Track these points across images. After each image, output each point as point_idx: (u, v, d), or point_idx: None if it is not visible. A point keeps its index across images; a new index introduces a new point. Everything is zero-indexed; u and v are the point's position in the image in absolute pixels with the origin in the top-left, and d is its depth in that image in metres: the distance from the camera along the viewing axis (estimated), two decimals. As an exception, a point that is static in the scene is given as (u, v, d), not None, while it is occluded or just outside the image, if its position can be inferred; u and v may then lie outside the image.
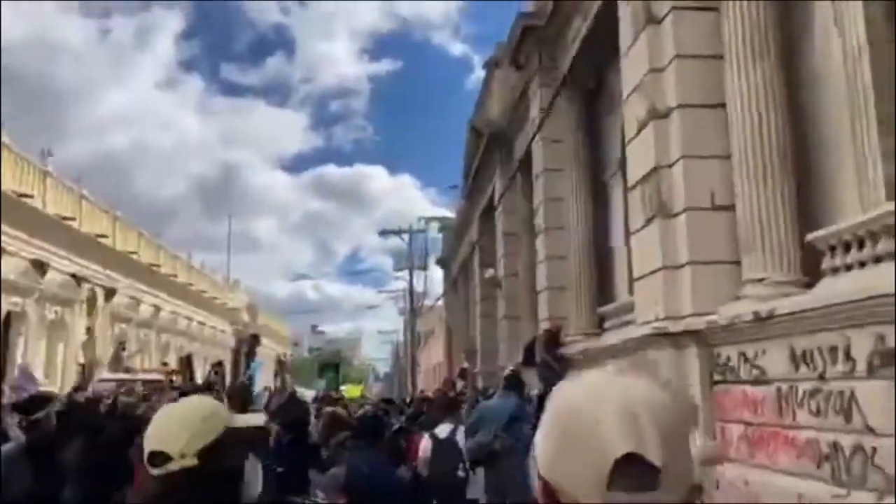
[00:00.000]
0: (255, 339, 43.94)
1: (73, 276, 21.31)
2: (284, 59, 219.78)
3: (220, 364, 19.49)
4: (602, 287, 11.05)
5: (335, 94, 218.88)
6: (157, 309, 28.53)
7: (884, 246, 4.81)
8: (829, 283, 5.11)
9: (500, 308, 17.12)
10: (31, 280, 18.96)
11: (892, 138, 5.24)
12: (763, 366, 5.47)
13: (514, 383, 6.44)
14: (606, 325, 10.28)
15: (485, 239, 20.02)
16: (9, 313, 18.26)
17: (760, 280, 5.90)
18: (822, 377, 4.74)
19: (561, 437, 0.84)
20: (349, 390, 34.10)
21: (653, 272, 7.05)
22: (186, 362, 19.07)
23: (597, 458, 0.80)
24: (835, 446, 4.59)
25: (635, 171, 7.54)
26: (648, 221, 7.18)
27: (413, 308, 33.39)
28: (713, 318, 6.11)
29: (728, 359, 5.96)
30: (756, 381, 5.54)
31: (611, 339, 8.57)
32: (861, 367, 4.36)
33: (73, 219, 21.49)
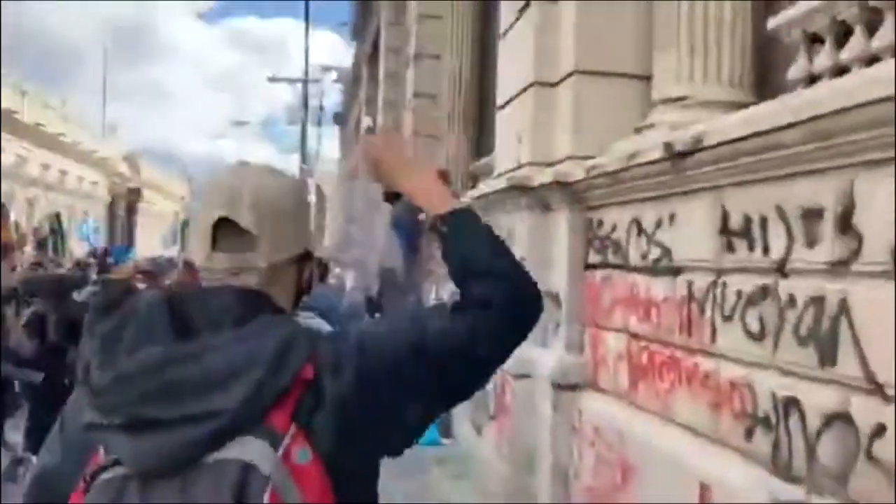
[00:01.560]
0: (134, 194, 39.86)
1: None
2: None
3: (56, 216, 16.49)
4: (483, 135, 8.54)
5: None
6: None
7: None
8: (805, 96, 2.68)
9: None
10: None
11: None
12: (668, 243, 3.12)
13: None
14: (480, 185, 7.86)
15: (370, 85, 16.98)
16: None
17: (680, 99, 3.44)
18: (779, 269, 2.40)
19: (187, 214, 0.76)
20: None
21: (520, 93, 4.51)
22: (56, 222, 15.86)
23: (203, 225, 1.02)
24: (788, 405, 2.32)
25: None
26: (522, 12, 4.55)
27: (303, 167, 30.26)
28: (599, 161, 3.67)
29: (614, 228, 3.60)
30: (655, 269, 3.21)
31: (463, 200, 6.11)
32: (876, 254, 2.01)
33: None
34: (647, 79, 3.89)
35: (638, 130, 3.57)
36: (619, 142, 3.68)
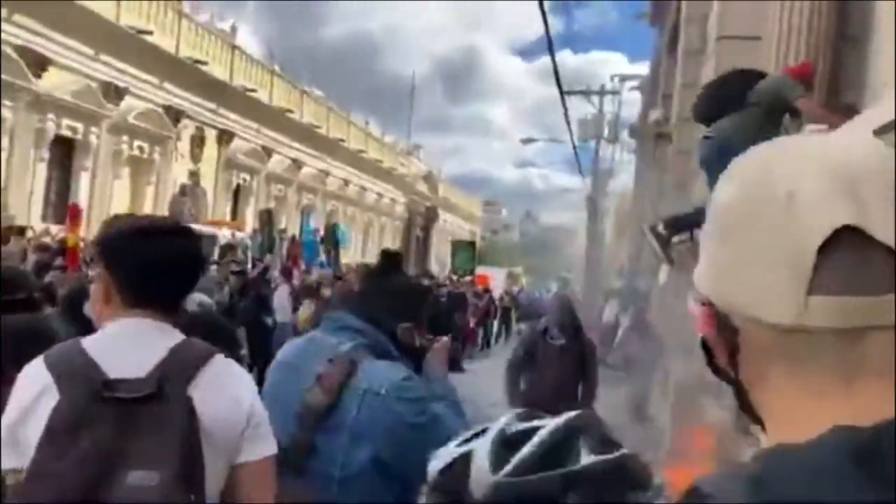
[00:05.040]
0: (430, 212, 40.50)
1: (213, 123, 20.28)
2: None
3: (268, 212, 16.06)
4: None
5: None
6: (298, 165, 25.51)
7: None
8: None
9: (668, 172, 11.08)
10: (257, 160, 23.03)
11: None
12: None
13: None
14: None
15: (668, 75, 13.58)
16: (238, 186, 22.55)
17: None
18: None
19: (731, 232, 0.55)
20: (509, 276, 29.78)
21: None
22: (267, 218, 15.62)
23: (789, 249, 0.51)
24: None
25: None
26: None
27: (594, 188, 27.42)
28: None
29: None
30: None
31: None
32: None
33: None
34: None
35: None
36: None
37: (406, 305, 1.94)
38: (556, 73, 11.72)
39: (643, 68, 25.47)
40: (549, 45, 9.83)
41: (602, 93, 27.14)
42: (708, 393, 5.34)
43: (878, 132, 1.79)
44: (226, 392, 1.41)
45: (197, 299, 5.08)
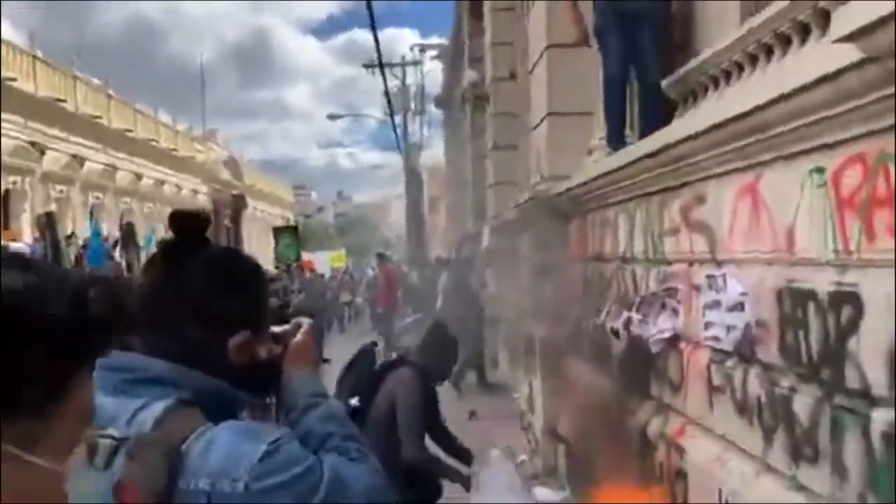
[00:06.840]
0: (238, 201, 38.18)
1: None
2: None
3: (48, 215, 14.27)
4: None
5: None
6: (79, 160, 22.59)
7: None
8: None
9: (488, 135, 10.92)
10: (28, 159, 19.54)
11: None
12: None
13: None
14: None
15: (475, 41, 13.46)
16: (7, 190, 18.94)
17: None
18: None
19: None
20: (333, 258, 28.98)
21: None
22: (46, 222, 13.57)
23: None
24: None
25: None
26: None
27: (408, 161, 27.26)
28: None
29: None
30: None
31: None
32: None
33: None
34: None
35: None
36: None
37: (236, 303, 1.17)
38: (377, 44, 11.18)
39: (439, 40, 25.53)
40: (370, 19, 9.22)
41: (404, 64, 26.92)
42: (574, 351, 5.13)
43: None
44: None
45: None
